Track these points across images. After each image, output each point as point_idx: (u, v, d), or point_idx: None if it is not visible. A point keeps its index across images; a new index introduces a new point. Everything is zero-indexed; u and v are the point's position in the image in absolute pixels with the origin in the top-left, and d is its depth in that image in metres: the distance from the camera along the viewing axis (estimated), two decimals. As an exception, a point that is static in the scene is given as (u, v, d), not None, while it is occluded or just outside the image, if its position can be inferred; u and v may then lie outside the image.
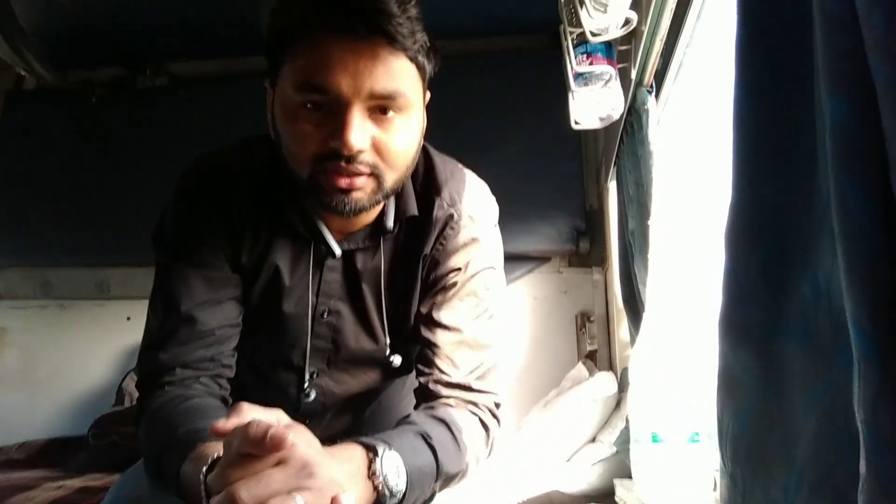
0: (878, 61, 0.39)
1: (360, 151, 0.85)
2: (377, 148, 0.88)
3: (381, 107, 0.87)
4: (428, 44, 0.91)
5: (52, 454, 2.29)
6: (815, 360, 0.53)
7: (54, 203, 2.80)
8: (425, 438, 0.87)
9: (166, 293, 1.01)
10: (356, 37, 0.84)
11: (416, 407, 1.03)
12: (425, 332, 1.04)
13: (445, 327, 1.02)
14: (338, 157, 0.85)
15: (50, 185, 2.83)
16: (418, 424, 0.90)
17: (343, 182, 0.87)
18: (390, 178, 0.91)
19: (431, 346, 1.02)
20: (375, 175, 0.89)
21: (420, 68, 0.91)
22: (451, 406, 0.99)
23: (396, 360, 1.10)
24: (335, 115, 0.85)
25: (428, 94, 0.98)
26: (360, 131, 0.84)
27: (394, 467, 0.78)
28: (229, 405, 0.99)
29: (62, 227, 2.77)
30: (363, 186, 0.88)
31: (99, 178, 2.79)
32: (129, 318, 2.68)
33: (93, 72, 2.93)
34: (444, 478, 0.88)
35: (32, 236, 2.80)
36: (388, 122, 0.88)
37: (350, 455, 0.77)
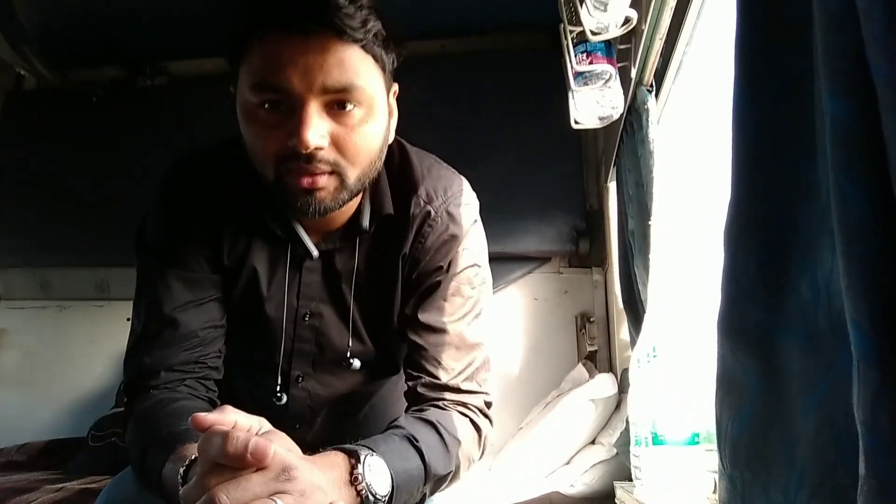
0: (879, 60, 0.39)
1: (318, 148, 0.84)
2: (337, 144, 0.87)
3: (338, 101, 0.86)
4: (384, 33, 0.89)
5: (52, 456, 2.28)
6: (815, 361, 0.53)
7: (54, 203, 2.80)
8: (412, 441, 0.86)
9: (148, 296, 1.00)
10: (304, 32, 0.83)
11: (406, 410, 1.02)
12: (411, 335, 1.03)
13: (431, 328, 1.01)
14: (297, 157, 0.85)
15: (49, 185, 2.83)
16: (405, 428, 0.89)
17: (305, 181, 0.86)
18: (352, 175, 0.89)
19: (418, 348, 1.01)
20: (337, 173, 0.88)
21: (377, 59, 0.89)
22: (441, 408, 0.98)
23: (356, 363, 1.08)
24: (291, 114, 0.84)
25: (395, 87, 0.97)
26: (316, 128, 0.83)
27: (377, 472, 0.77)
28: (217, 407, 0.99)
29: (62, 228, 2.76)
30: (325, 185, 0.87)
31: (98, 178, 2.78)
32: (128, 319, 2.65)
33: (92, 71, 2.93)
34: (433, 480, 0.88)
35: (32, 236, 2.79)
36: (348, 116, 0.87)
37: (331, 462, 0.76)
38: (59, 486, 1.79)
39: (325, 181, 0.87)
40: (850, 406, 0.43)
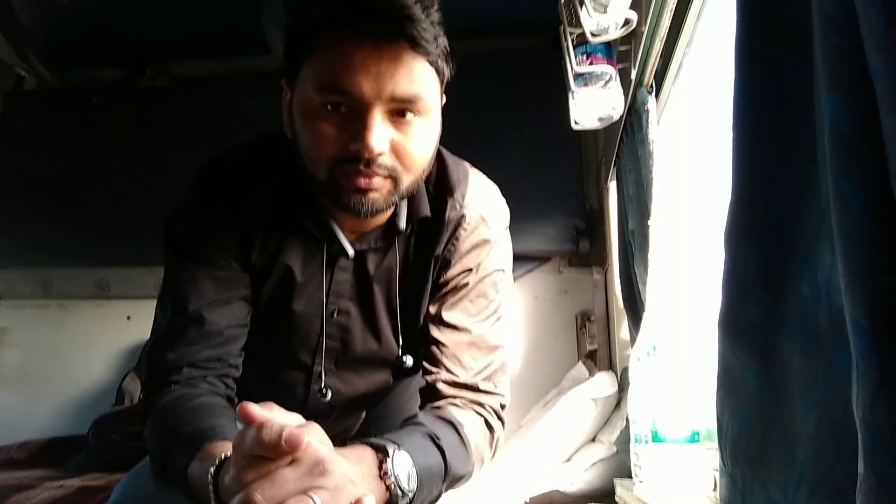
0: (877, 61, 0.40)
1: (379, 154, 0.85)
2: (396, 151, 0.88)
3: (400, 110, 0.87)
4: (448, 48, 0.91)
5: (52, 454, 2.28)
6: (815, 361, 0.53)
7: (54, 203, 2.80)
8: (434, 440, 0.87)
9: (175, 292, 1.01)
10: (379, 40, 0.84)
11: (421, 406, 1.02)
12: (434, 332, 1.04)
13: (454, 327, 1.03)
14: (357, 160, 0.86)
15: (50, 185, 2.83)
16: (426, 425, 0.89)
17: (362, 182, 0.87)
18: (406, 181, 0.91)
19: (439, 345, 1.02)
20: (393, 177, 0.89)
21: (439, 72, 0.91)
22: (458, 406, 0.99)
23: (409, 360, 1.09)
24: (355, 118, 0.85)
25: (444, 98, 0.99)
26: (380, 134, 0.85)
27: (405, 468, 0.78)
28: (235, 405, 0.99)
29: (62, 227, 2.76)
30: (380, 188, 0.89)
31: (99, 179, 2.78)
32: (129, 318, 2.68)
33: (92, 72, 2.93)
34: (451, 479, 0.88)
35: (32, 236, 2.79)
36: (408, 125, 0.88)
37: (360, 456, 0.76)
38: (59, 483, 1.79)
39: (381, 183, 0.88)
40: (849, 405, 0.44)
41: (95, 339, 2.75)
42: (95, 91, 2.91)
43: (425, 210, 1.03)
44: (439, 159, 1.06)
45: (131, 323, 2.68)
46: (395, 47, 0.84)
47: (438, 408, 0.98)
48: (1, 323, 2.83)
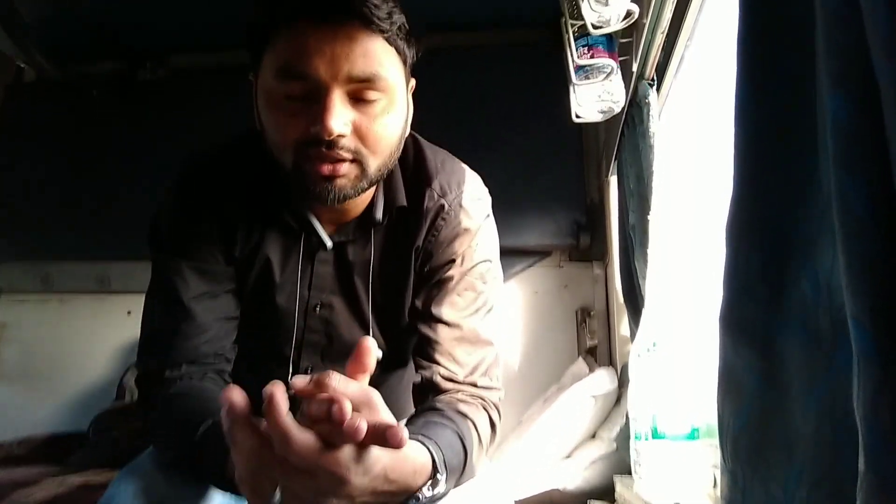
0: (881, 58, 0.39)
1: (340, 136, 0.85)
2: (358, 132, 0.88)
3: (361, 91, 0.87)
4: (407, 26, 0.91)
5: (53, 450, 2.28)
6: (815, 358, 0.53)
7: (54, 197, 2.80)
8: (462, 441, 0.87)
9: (163, 288, 1.01)
10: (332, 21, 0.84)
11: (415, 402, 1.02)
12: (424, 328, 1.03)
13: (445, 323, 1.02)
14: (319, 143, 0.86)
15: (50, 178, 2.83)
16: (456, 423, 0.89)
17: (326, 169, 0.87)
18: (373, 164, 0.90)
19: (431, 342, 1.01)
20: (358, 161, 0.89)
21: (399, 52, 0.91)
22: (467, 402, 0.97)
23: (379, 353, 1.09)
24: (315, 102, 0.85)
25: (413, 81, 0.98)
26: (339, 116, 0.85)
27: (438, 496, 0.78)
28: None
29: (62, 222, 2.76)
30: (346, 173, 0.88)
31: (99, 172, 2.78)
32: (129, 313, 2.68)
33: (93, 65, 2.92)
34: (462, 480, 0.88)
35: (33, 230, 2.79)
36: (369, 106, 0.88)
37: (417, 467, 0.74)
38: (60, 479, 1.79)
39: (347, 169, 0.88)
40: (849, 403, 0.43)
41: (96, 335, 2.75)
42: (95, 84, 2.90)
43: (402, 200, 1.03)
44: (417, 148, 1.06)
45: (132, 318, 2.67)
46: (348, 27, 0.85)
47: (462, 401, 0.96)
48: (1, 318, 2.83)
